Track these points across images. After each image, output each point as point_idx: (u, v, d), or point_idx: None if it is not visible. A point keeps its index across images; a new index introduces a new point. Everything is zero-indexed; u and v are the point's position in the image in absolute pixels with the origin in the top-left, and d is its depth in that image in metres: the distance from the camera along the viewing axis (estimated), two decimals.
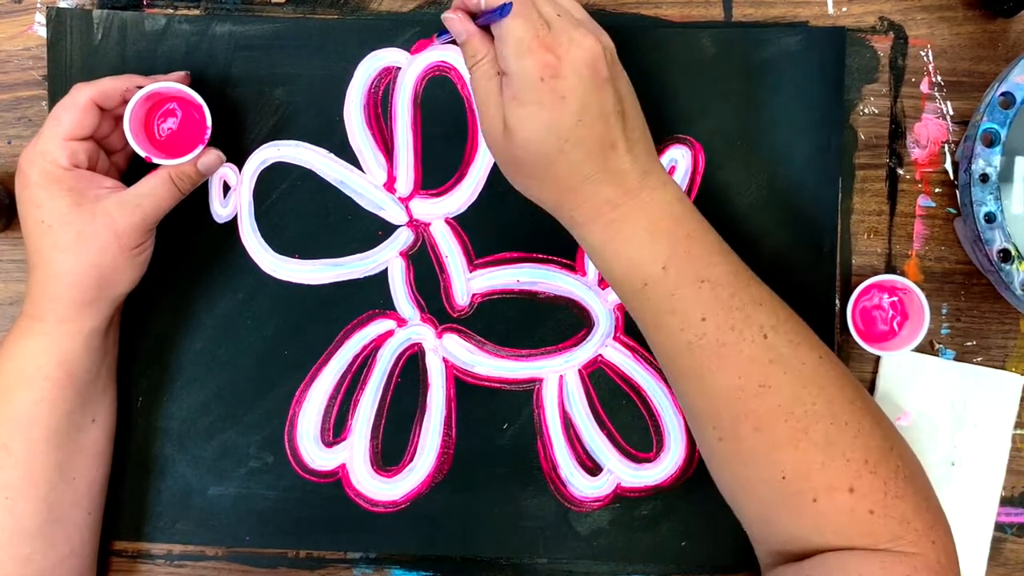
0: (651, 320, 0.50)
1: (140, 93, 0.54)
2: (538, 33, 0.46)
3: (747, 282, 0.49)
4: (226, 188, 0.60)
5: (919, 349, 0.59)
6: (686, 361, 0.49)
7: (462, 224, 0.60)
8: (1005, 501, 0.59)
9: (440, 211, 0.60)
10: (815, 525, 0.47)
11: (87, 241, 0.51)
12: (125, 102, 0.54)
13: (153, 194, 0.53)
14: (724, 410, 0.48)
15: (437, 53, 0.59)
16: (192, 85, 0.59)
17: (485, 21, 0.48)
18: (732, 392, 0.47)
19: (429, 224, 0.60)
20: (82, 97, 0.52)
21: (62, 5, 0.60)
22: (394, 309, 0.60)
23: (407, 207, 0.60)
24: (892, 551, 0.46)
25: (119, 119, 0.55)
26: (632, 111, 0.49)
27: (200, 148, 0.55)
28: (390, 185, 0.60)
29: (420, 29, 0.59)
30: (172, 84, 0.55)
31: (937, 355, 0.59)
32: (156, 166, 0.54)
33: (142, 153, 0.54)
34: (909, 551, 0.46)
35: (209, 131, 0.55)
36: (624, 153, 0.48)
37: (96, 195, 0.52)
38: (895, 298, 0.59)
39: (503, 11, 0.47)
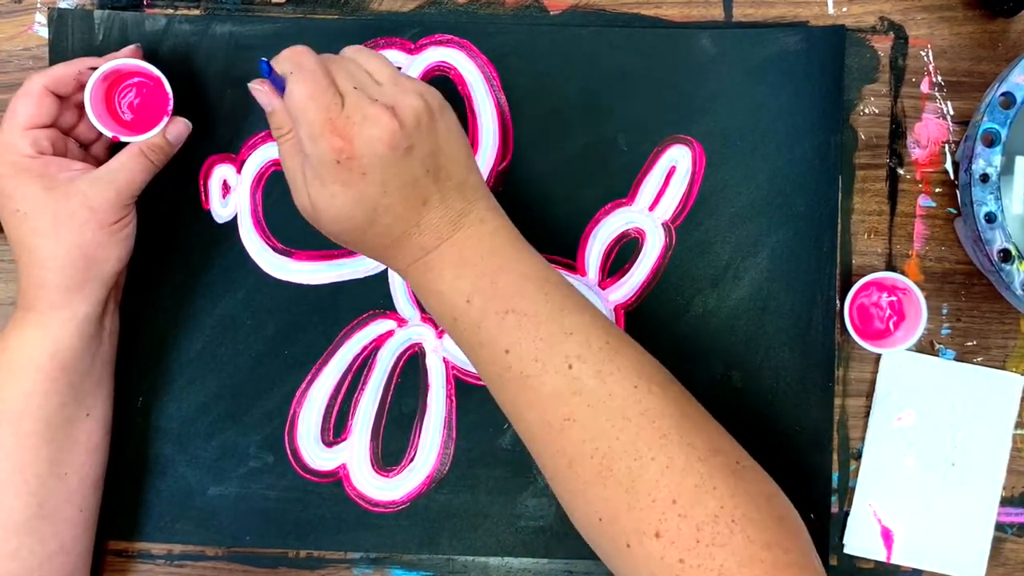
0: (467, 353, 0.50)
1: (96, 74, 0.53)
2: (329, 115, 0.46)
3: (561, 312, 0.47)
4: (226, 188, 0.60)
5: (919, 349, 0.59)
6: (501, 395, 0.48)
7: None
8: (1005, 501, 0.59)
9: None
10: (635, 575, 0.44)
11: (64, 222, 0.51)
12: (81, 86, 0.54)
13: (125, 168, 0.53)
14: (540, 446, 0.47)
15: (437, 53, 0.59)
16: (192, 85, 0.59)
17: (278, 90, 0.49)
18: (542, 427, 0.46)
19: None
20: (35, 86, 0.52)
21: (63, 6, 0.60)
22: (394, 309, 0.60)
23: None
24: None
25: (83, 108, 0.54)
26: (449, 158, 0.49)
27: (165, 120, 0.54)
28: None
29: (421, 29, 0.59)
30: (127, 60, 0.54)
31: (937, 355, 0.59)
32: (126, 145, 0.54)
33: (108, 133, 0.54)
34: None
35: (171, 102, 0.54)
36: (437, 205, 0.48)
37: (68, 177, 0.51)
38: (894, 298, 0.59)
39: (271, 78, 0.48)
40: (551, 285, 0.48)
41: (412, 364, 0.60)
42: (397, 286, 0.60)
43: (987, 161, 0.52)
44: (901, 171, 0.60)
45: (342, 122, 0.46)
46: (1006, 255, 0.52)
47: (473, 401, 0.59)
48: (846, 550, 0.59)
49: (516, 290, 0.47)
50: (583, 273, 0.60)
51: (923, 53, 0.60)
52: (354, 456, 0.59)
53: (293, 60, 0.48)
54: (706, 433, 0.46)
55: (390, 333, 0.60)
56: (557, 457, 0.46)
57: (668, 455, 0.44)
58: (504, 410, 0.49)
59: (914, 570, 0.59)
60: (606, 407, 0.45)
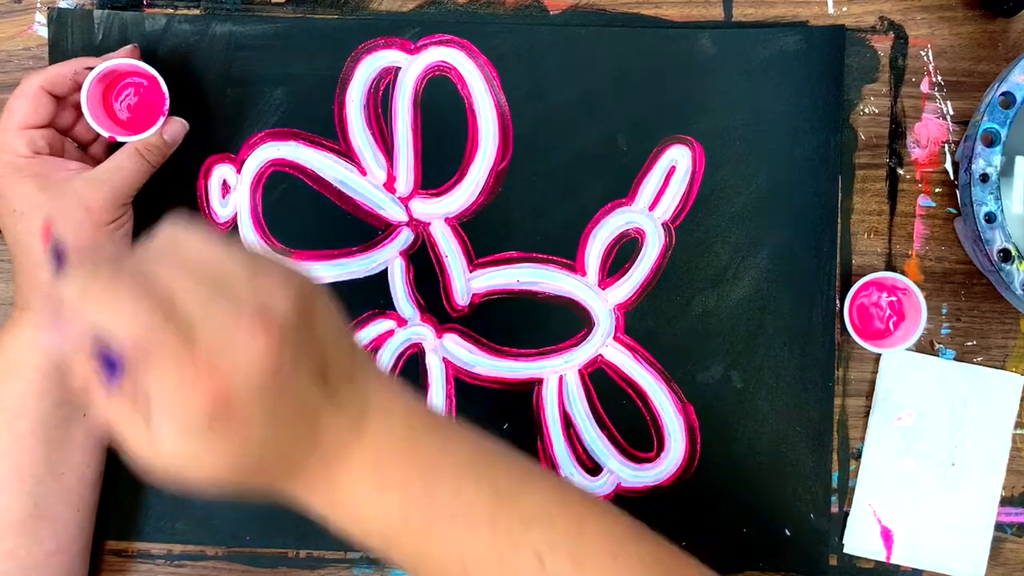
0: (412, 571, 0.40)
1: (92, 74, 0.53)
2: (179, 362, 0.33)
3: (513, 497, 0.39)
4: (226, 188, 0.60)
5: (919, 349, 0.59)
6: None
7: (462, 224, 0.60)
8: (1005, 501, 0.59)
9: (440, 211, 0.60)
10: None
11: (60, 222, 0.51)
12: (78, 86, 0.53)
13: (121, 168, 0.53)
14: None
15: (437, 53, 0.59)
16: (192, 85, 0.59)
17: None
18: None
19: (429, 224, 0.60)
20: (31, 86, 0.52)
21: (62, 5, 0.60)
22: (394, 309, 0.60)
23: (407, 207, 0.60)
24: None
25: (80, 108, 0.54)
26: (336, 347, 0.38)
27: (162, 120, 0.54)
28: (390, 185, 0.60)
29: (421, 29, 0.59)
30: (123, 60, 0.54)
31: (937, 355, 0.59)
32: (123, 145, 0.54)
33: (104, 133, 0.53)
34: None
35: (167, 101, 0.54)
36: (332, 412, 0.37)
37: (63, 177, 0.51)
38: (893, 298, 0.59)
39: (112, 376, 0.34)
40: (487, 463, 0.40)
41: (412, 364, 0.60)
42: (397, 286, 0.60)
43: (987, 161, 0.52)
44: (901, 171, 0.60)
45: (203, 365, 0.33)
46: (1006, 255, 0.52)
47: (473, 401, 0.59)
48: (846, 550, 0.59)
49: (455, 488, 0.38)
50: (583, 273, 0.60)
51: (923, 53, 0.60)
52: None
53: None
54: (676, 567, 0.43)
55: (390, 333, 0.60)
56: None
57: None
58: None
59: (914, 570, 0.59)
60: None
